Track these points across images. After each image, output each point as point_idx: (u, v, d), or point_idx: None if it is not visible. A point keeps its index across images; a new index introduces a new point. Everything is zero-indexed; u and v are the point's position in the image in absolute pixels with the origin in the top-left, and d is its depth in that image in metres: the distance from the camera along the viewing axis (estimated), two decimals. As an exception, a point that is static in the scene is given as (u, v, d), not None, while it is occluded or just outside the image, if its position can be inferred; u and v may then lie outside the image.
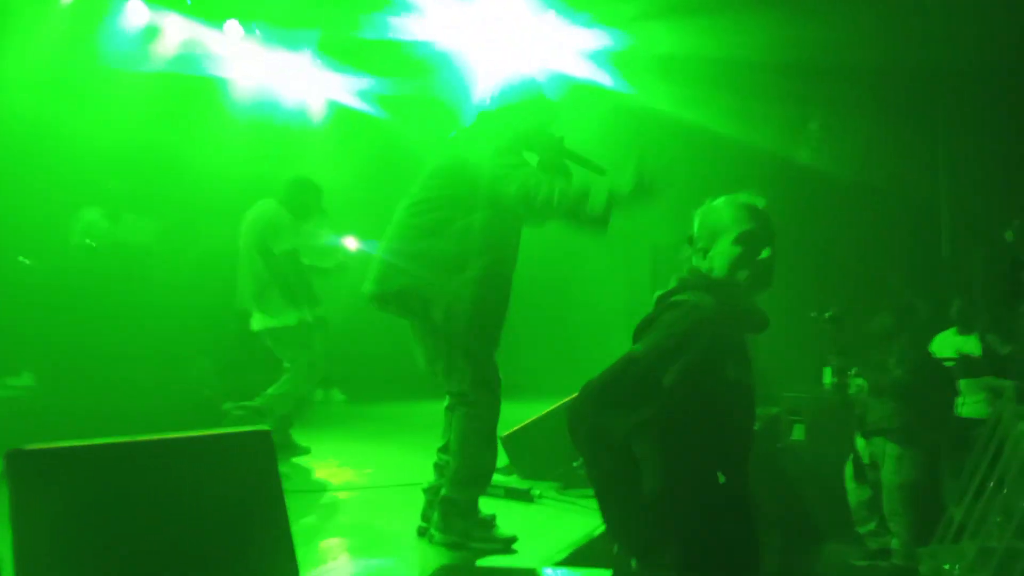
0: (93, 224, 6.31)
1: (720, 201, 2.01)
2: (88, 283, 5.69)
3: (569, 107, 3.19)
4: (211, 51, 8.41)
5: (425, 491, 3.23)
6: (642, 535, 1.68)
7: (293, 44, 8.79)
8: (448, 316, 2.96)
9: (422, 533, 3.18)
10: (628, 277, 8.38)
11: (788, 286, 6.35)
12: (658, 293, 1.96)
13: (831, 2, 6.99)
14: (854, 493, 5.34)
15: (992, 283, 6.21)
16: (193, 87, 8.17)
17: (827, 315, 5.18)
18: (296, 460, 4.80)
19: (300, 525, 3.30)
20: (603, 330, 7.66)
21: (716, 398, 1.81)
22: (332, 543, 3.18)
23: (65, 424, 4.81)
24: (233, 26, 8.27)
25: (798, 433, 6.67)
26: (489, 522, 3.15)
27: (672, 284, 1.94)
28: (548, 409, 4.59)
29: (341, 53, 8.95)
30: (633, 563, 1.72)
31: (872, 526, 5.32)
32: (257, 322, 4.98)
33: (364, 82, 9.13)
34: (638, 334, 1.86)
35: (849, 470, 5.32)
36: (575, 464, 4.25)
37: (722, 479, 1.78)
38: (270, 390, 4.80)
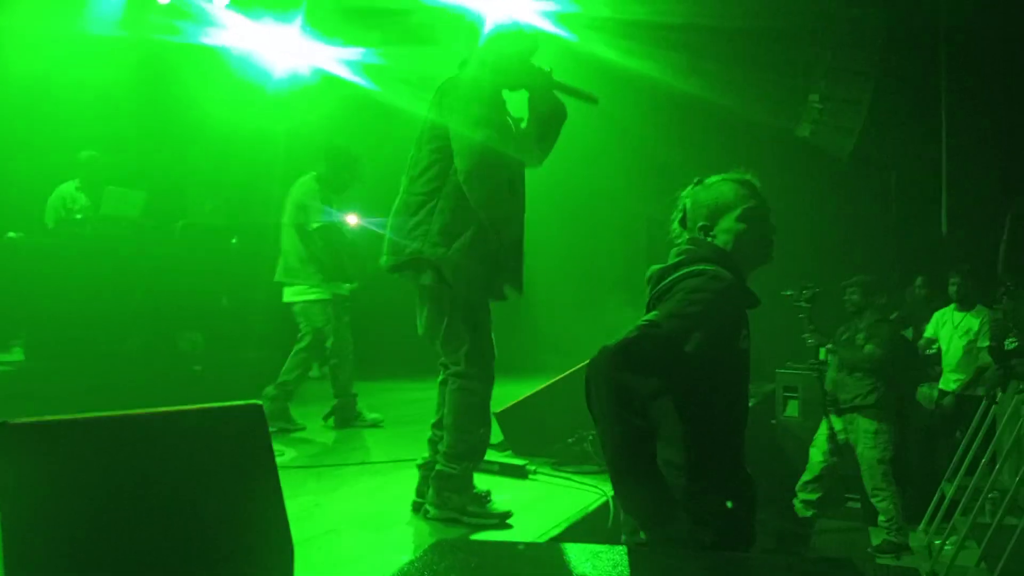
0: (67, 197, 6.20)
1: (716, 180, 1.99)
2: (76, 257, 5.62)
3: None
4: (197, 17, 8.26)
5: (420, 467, 3.21)
6: (656, 506, 1.63)
7: (280, 14, 8.63)
8: (450, 282, 2.93)
9: (417, 509, 3.17)
10: (624, 253, 8.35)
11: (784, 262, 6.37)
12: (656, 267, 1.92)
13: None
14: (817, 464, 5.32)
15: (991, 260, 6.20)
16: (179, 55, 8.03)
17: (804, 294, 5.17)
18: (293, 435, 4.81)
19: (294, 500, 3.29)
20: (599, 306, 7.64)
21: (730, 368, 1.81)
22: (327, 518, 3.16)
23: (56, 399, 4.78)
24: (221, -6, 8.13)
25: (792, 409, 6.70)
26: (484, 497, 3.13)
27: (673, 259, 1.90)
28: (543, 385, 4.57)
29: (329, 23, 8.80)
30: (642, 535, 1.68)
31: (815, 496, 5.34)
32: (291, 294, 5.25)
33: (353, 52, 8.99)
34: (653, 303, 1.83)
35: (822, 444, 5.33)
36: (569, 440, 4.25)
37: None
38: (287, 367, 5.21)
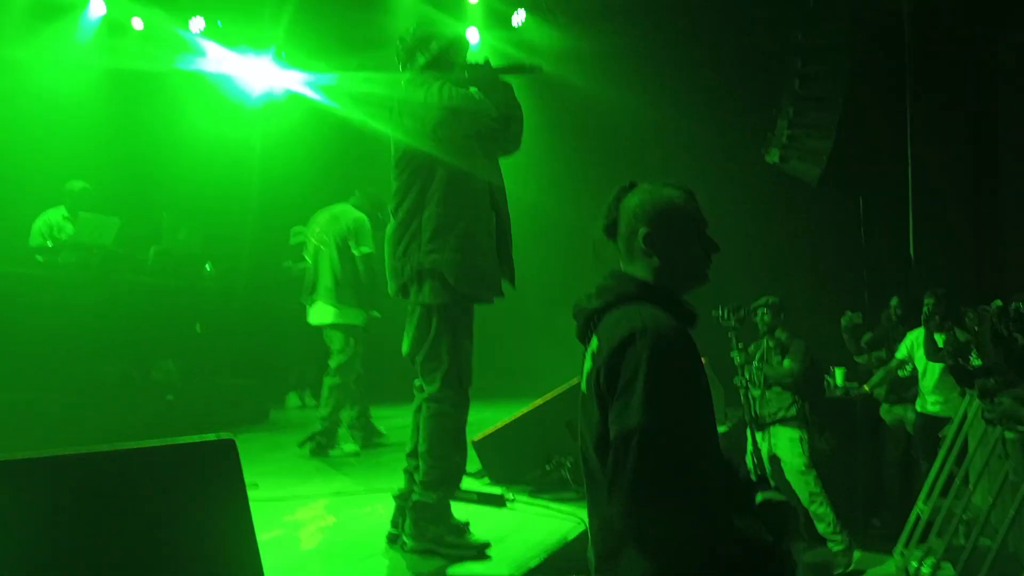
0: (53, 225, 6.17)
1: (650, 186, 1.80)
2: (48, 285, 5.54)
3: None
4: (172, 44, 8.28)
5: (396, 497, 3.18)
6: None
7: (255, 42, 8.67)
8: (452, 284, 2.95)
9: (393, 540, 3.13)
10: (598, 278, 8.37)
11: (754, 286, 6.45)
12: (582, 305, 1.76)
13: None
14: None
15: (958, 282, 6.30)
16: (153, 81, 8.03)
17: (725, 312, 5.31)
18: (267, 466, 4.76)
19: (268, 533, 3.24)
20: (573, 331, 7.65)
21: (706, 404, 1.65)
22: (301, 551, 3.11)
23: (28, 430, 4.69)
24: (197, 21, 8.17)
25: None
26: (462, 528, 3.10)
27: (596, 299, 1.73)
28: (520, 413, 4.55)
29: (305, 50, 8.85)
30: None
31: None
32: (324, 316, 5.31)
33: (330, 78, 9.03)
34: (607, 390, 1.57)
35: (749, 463, 5.45)
36: (548, 467, 4.23)
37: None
38: (323, 405, 5.27)
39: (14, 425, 4.73)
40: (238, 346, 7.43)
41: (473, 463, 4.28)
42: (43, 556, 1.53)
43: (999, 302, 4.96)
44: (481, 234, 3.03)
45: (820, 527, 5.42)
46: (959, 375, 5.28)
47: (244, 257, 7.77)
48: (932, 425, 5.83)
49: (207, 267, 6.94)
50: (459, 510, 3.19)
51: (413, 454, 3.13)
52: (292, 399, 7.76)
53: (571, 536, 3.36)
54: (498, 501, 3.90)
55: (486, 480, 4.39)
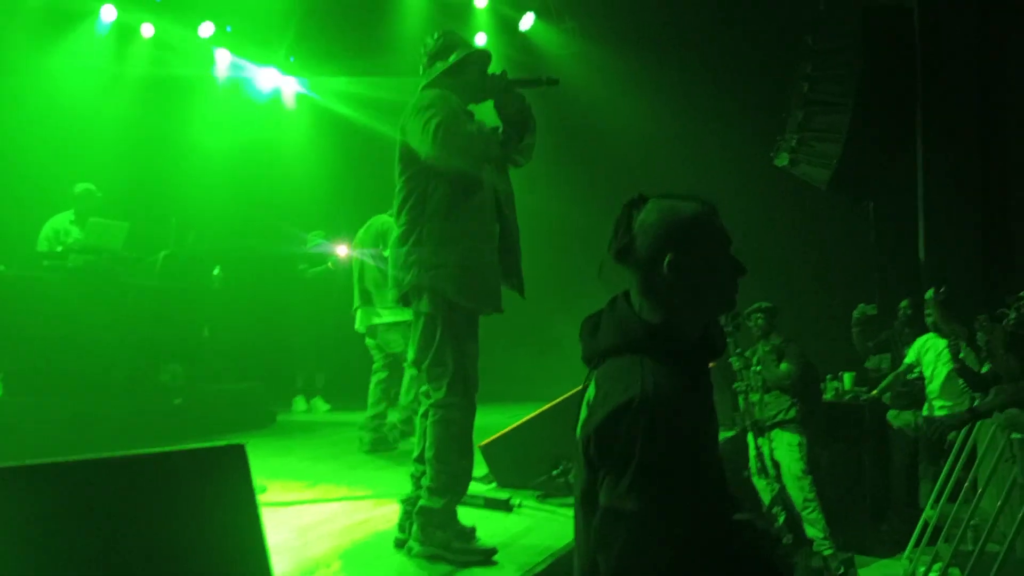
0: (60, 229, 6.20)
1: (670, 201, 1.59)
2: (57, 289, 5.57)
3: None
4: (181, 50, 8.34)
5: (402, 502, 3.19)
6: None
7: (264, 47, 8.73)
8: (452, 299, 2.96)
9: (400, 545, 3.13)
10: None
11: (763, 290, 6.44)
12: (591, 339, 1.60)
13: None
14: (766, 491, 5.49)
15: (968, 285, 6.28)
16: (161, 86, 8.09)
17: (731, 321, 5.34)
18: (276, 470, 4.79)
19: (276, 538, 3.25)
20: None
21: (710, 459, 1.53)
22: (309, 557, 3.12)
23: (36, 433, 4.71)
24: (207, 27, 8.22)
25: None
26: (469, 533, 3.11)
27: (610, 333, 1.56)
28: (526, 417, 4.56)
29: (312, 55, 8.90)
30: None
31: (782, 520, 5.48)
32: (367, 319, 5.60)
33: (340, 83, 9.09)
34: (598, 458, 1.45)
35: (753, 467, 5.48)
36: (555, 472, 4.23)
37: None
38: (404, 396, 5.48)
39: (23, 428, 4.77)
40: (246, 349, 7.47)
41: (480, 467, 4.29)
42: (52, 562, 1.54)
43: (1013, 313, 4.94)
44: (483, 248, 3.02)
45: (811, 531, 5.48)
46: (972, 380, 5.26)
47: (254, 261, 7.81)
48: (937, 430, 5.81)
49: (216, 271, 6.98)
50: (466, 515, 3.19)
51: (420, 459, 3.13)
52: (299, 403, 7.78)
53: (577, 541, 3.35)
54: (505, 506, 3.90)
55: (493, 485, 4.40)
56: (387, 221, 5.43)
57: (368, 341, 5.75)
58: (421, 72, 3.23)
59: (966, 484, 5.07)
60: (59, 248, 5.98)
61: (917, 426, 6.03)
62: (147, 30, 8.18)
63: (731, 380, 5.68)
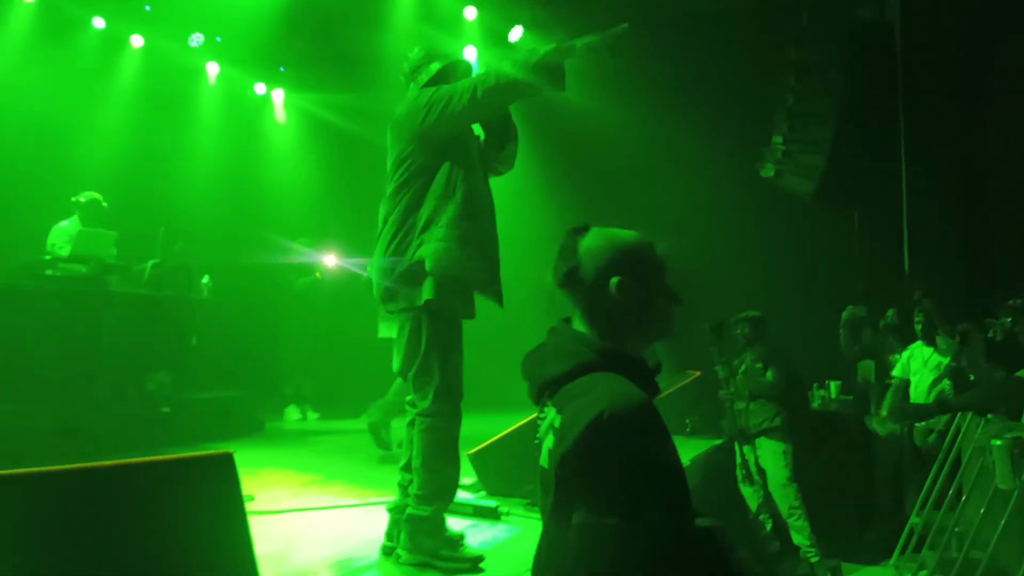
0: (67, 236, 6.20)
1: (610, 230, 1.65)
2: (44, 297, 5.56)
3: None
4: (172, 62, 8.36)
5: (390, 510, 3.20)
6: None
7: (254, 58, 8.75)
8: (437, 300, 2.97)
9: (388, 553, 3.15)
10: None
11: (749, 299, 6.49)
12: (535, 371, 1.61)
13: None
14: (752, 498, 5.54)
15: (950, 294, 6.35)
16: (151, 98, 8.11)
17: (707, 326, 5.40)
18: (264, 479, 4.78)
19: (264, 547, 3.26)
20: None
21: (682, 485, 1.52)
22: (297, 565, 3.13)
23: (23, 442, 4.69)
24: (197, 37, 8.24)
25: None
26: (456, 540, 3.12)
27: (558, 362, 1.56)
28: (515, 425, 4.58)
29: (302, 67, 8.93)
30: None
31: (769, 528, 5.56)
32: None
33: (326, 95, 9.12)
34: (574, 476, 1.44)
35: (739, 475, 5.53)
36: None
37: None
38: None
39: (9, 437, 4.74)
40: (234, 358, 7.46)
41: (469, 475, 4.31)
42: (38, 572, 1.54)
43: (1007, 319, 5.00)
44: (471, 232, 3.03)
45: (797, 539, 5.54)
46: (960, 385, 5.32)
47: (242, 270, 7.82)
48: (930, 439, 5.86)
49: (204, 279, 6.97)
50: (454, 522, 3.21)
51: (407, 467, 3.15)
52: (292, 412, 7.77)
53: (565, 549, 3.36)
54: (493, 514, 3.92)
55: (482, 492, 4.41)
56: None
57: None
58: (404, 84, 3.28)
59: (950, 491, 5.11)
60: (47, 256, 5.97)
61: (901, 434, 6.08)
62: (137, 41, 8.20)
63: (717, 389, 5.72)
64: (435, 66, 3.20)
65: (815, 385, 6.88)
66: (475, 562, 3.07)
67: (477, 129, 3.27)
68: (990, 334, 5.18)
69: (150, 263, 6.36)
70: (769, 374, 5.81)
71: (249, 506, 3.90)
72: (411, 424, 3.14)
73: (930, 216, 6.99)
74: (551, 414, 1.55)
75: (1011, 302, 4.85)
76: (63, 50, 7.61)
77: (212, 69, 8.83)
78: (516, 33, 8.74)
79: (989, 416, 4.50)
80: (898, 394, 6.11)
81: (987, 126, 6.93)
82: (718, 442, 5.89)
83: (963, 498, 4.97)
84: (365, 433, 5.77)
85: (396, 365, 3.16)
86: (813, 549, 5.53)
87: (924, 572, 4.82)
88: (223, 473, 1.81)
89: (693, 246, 8.09)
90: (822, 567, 5.50)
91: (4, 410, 5.10)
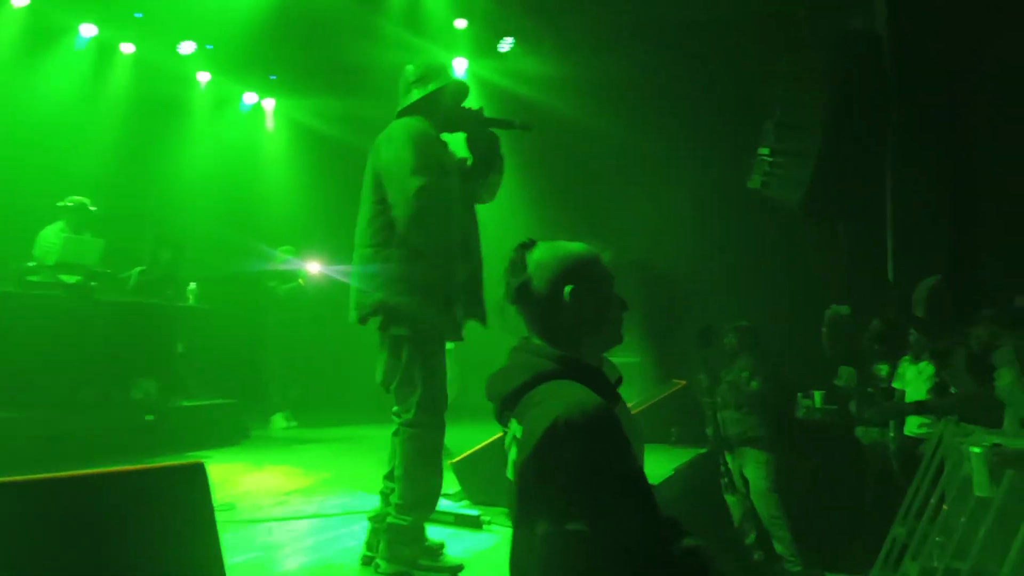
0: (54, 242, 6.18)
1: (559, 246, 1.67)
2: (29, 304, 5.55)
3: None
4: (162, 70, 8.38)
5: (371, 519, 3.20)
6: None
7: (245, 66, 8.77)
8: (412, 328, 2.99)
9: (367, 563, 3.15)
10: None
11: (737, 309, 6.52)
12: (498, 384, 1.63)
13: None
14: (736, 507, 5.58)
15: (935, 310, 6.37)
16: (140, 105, 8.12)
17: (696, 334, 5.43)
18: (244, 489, 4.77)
19: (243, 556, 3.26)
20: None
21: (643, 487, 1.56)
22: (276, 574, 3.13)
23: (7, 448, 4.68)
24: (188, 46, 8.26)
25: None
26: (436, 550, 3.12)
27: (517, 374, 1.58)
28: (499, 434, 4.57)
29: (292, 76, 8.95)
30: None
31: (753, 537, 5.61)
32: None
33: (315, 103, 9.15)
34: (536, 485, 1.46)
35: (723, 485, 5.56)
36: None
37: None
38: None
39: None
40: (221, 366, 7.45)
41: (453, 484, 4.31)
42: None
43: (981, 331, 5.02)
44: (445, 280, 3.04)
45: (778, 548, 5.57)
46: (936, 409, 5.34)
47: (228, 278, 7.82)
48: (914, 446, 5.88)
49: (191, 287, 6.97)
50: (435, 531, 3.21)
51: (390, 476, 3.15)
52: (278, 420, 7.76)
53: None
54: (475, 523, 3.92)
55: (465, 502, 4.41)
56: None
57: None
58: (399, 98, 3.29)
59: (932, 501, 5.13)
60: (32, 263, 5.95)
61: (886, 442, 6.11)
62: (127, 48, 8.21)
63: (702, 397, 5.75)
64: (416, 94, 3.20)
65: (800, 395, 6.90)
66: (454, 571, 3.08)
67: (462, 149, 3.28)
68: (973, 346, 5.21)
69: (136, 270, 6.36)
70: (754, 384, 5.84)
71: (230, 515, 3.92)
72: (395, 434, 3.14)
73: (915, 229, 7.04)
74: (513, 426, 1.57)
75: (984, 312, 4.86)
76: (52, 57, 7.62)
77: (203, 77, 8.85)
78: (506, 44, 8.78)
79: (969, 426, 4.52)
80: (906, 408, 6.11)
81: (973, 139, 6.98)
82: (703, 451, 5.90)
83: (945, 507, 4.99)
84: (349, 441, 5.79)
85: (379, 376, 3.17)
86: (795, 559, 5.55)
87: (906, 582, 4.83)
88: (194, 483, 1.80)
89: (680, 256, 8.14)
90: None
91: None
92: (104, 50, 8.08)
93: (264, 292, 7.88)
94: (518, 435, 1.54)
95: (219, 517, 1.87)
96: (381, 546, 3.06)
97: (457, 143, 3.29)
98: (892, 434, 6.01)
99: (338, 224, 6.07)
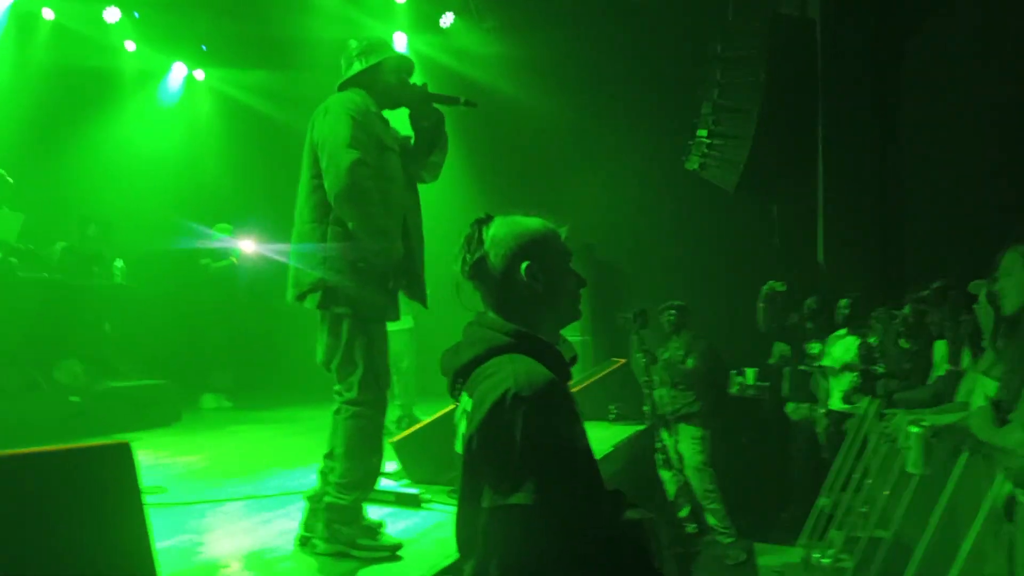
0: None
1: (515, 221, 1.66)
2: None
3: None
4: (86, 39, 8.01)
5: (308, 499, 3.15)
6: None
7: (173, 36, 8.46)
8: (350, 307, 2.93)
9: (304, 543, 3.10)
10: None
11: (673, 288, 6.62)
12: (450, 359, 1.64)
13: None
14: (671, 482, 5.75)
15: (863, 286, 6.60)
16: (64, 75, 7.74)
17: (630, 315, 5.55)
18: (177, 471, 4.65)
19: (174, 539, 3.18)
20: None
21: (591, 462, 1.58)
22: (209, 557, 3.06)
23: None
24: (112, 12, 7.91)
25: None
26: (375, 529, 3.10)
27: (467, 349, 1.60)
28: (439, 413, 4.57)
29: (222, 47, 8.68)
30: None
31: (687, 510, 5.81)
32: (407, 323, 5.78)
33: (248, 77, 8.90)
34: (482, 459, 1.47)
35: (658, 460, 5.73)
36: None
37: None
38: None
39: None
40: (151, 346, 7.23)
41: (392, 462, 4.28)
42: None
43: (908, 308, 5.21)
44: (382, 259, 2.98)
45: (711, 520, 5.75)
46: (865, 383, 5.52)
47: (157, 255, 7.58)
48: (841, 422, 6.09)
49: (118, 264, 6.72)
50: (374, 511, 3.18)
51: (330, 455, 3.10)
52: (208, 400, 7.59)
53: (485, 536, 3.38)
54: (415, 501, 3.91)
55: (405, 480, 4.39)
56: None
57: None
58: (342, 72, 3.21)
59: (856, 473, 5.33)
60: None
61: (813, 419, 6.32)
62: (48, 14, 7.81)
63: (639, 375, 5.84)
64: (357, 66, 3.13)
65: (733, 372, 7.08)
66: (393, 550, 3.06)
67: (405, 127, 3.22)
68: (897, 322, 5.41)
69: (59, 246, 6.10)
70: (690, 361, 5.97)
71: (161, 498, 3.81)
72: (337, 412, 3.09)
73: (844, 209, 7.26)
74: (464, 399, 1.57)
75: (924, 292, 5.02)
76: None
77: (130, 47, 8.48)
78: (447, 19, 8.67)
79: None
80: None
81: (902, 121, 7.22)
82: (641, 428, 6.01)
83: (869, 480, 5.19)
84: (284, 422, 5.70)
85: (319, 356, 3.11)
86: (728, 531, 5.72)
87: (831, 551, 5.02)
88: (120, 464, 1.74)
89: (617, 237, 8.23)
90: (736, 547, 5.70)
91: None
92: (23, 16, 7.68)
93: (197, 270, 7.65)
94: (468, 408, 1.54)
95: (149, 500, 1.82)
96: (319, 526, 3.02)
97: (401, 121, 3.23)
98: (822, 410, 6.22)
99: (273, 202, 5.94)
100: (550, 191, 8.13)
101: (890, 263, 7.17)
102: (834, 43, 7.38)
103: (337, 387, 3.09)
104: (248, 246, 7.86)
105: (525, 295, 1.60)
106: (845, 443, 5.63)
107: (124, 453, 1.75)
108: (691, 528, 5.77)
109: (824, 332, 6.30)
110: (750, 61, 7.13)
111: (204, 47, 8.80)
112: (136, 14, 8.09)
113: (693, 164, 7.43)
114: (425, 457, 4.42)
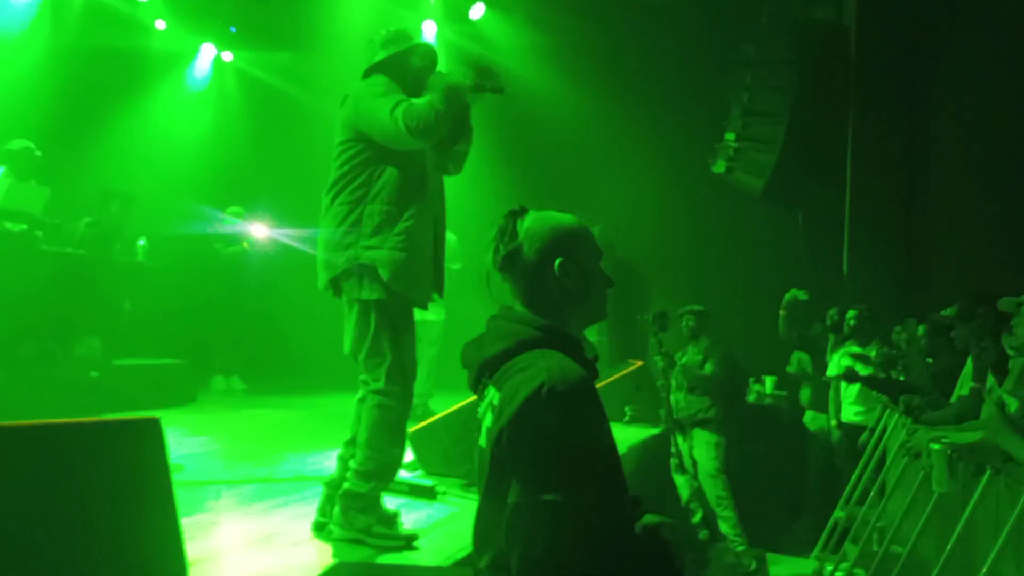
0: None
1: (550, 216, 1.65)
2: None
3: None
4: (117, 21, 8.04)
5: (326, 484, 3.14)
6: None
7: (203, 19, 8.47)
8: (386, 282, 2.90)
9: (320, 528, 3.09)
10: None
11: (695, 292, 6.56)
12: (474, 352, 1.62)
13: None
14: (684, 487, 5.70)
15: (887, 299, 6.53)
16: (94, 56, 7.77)
17: (650, 317, 5.51)
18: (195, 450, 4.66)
19: (192, 518, 3.17)
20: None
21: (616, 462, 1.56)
22: (225, 537, 3.05)
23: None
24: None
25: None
26: (391, 518, 3.08)
27: (496, 341, 1.57)
28: (456, 406, 4.55)
29: (252, 31, 8.69)
30: None
31: (699, 516, 5.76)
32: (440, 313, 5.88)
33: (277, 59, 8.90)
34: (511, 452, 1.44)
35: (672, 464, 5.68)
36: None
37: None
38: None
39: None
40: (169, 325, 7.25)
41: (408, 454, 4.26)
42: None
43: (922, 329, 5.14)
44: (422, 238, 2.99)
45: (723, 528, 5.71)
46: (885, 387, 5.45)
47: (176, 238, 7.60)
48: (854, 434, 6.03)
49: (140, 242, 6.73)
50: (390, 501, 3.17)
51: (351, 442, 3.09)
52: (217, 382, 7.60)
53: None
54: (430, 493, 3.89)
55: (420, 471, 4.38)
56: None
57: None
58: (366, 62, 3.18)
59: (874, 487, 5.28)
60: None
61: (831, 429, 6.25)
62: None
63: (656, 378, 5.80)
64: (381, 55, 3.10)
65: (751, 379, 7.02)
66: (409, 540, 3.04)
67: None
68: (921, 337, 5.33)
69: (84, 221, 6.11)
70: (708, 367, 5.93)
71: (179, 476, 3.81)
72: (362, 400, 3.08)
73: (871, 219, 7.18)
74: (491, 393, 1.55)
75: (945, 312, 4.94)
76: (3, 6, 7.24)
77: (160, 25, 8.51)
78: (478, 11, 8.64)
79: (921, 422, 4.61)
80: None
81: (933, 132, 7.13)
82: (656, 431, 5.97)
83: (886, 495, 5.13)
84: (297, 408, 5.70)
85: (347, 347, 3.09)
86: (740, 539, 5.68)
87: (845, 564, 4.97)
88: (150, 439, 1.73)
89: (639, 235, 8.18)
90: (747, 556, 5.65)
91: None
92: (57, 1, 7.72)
93: (209, 255, 7.68)
94: (495, 402, 1.52)
95: (170, 476, 1.81)
96: (335, 512, 3.01)
97: None
98: (833, 421, 6.16)
99: (296, 186, 5.96)
100: (573, 186, 8.09)
101: (915, 277, 7.09)
102: (869, 51, 7.30)
103: (363, 376, 3.08)
104: (260, 231, 7.86)
105: (556, 291, 1.59)
106: (864, 456, 5.57)
107: (154, 428, 1.74)
108: (703, 534, 5.73)
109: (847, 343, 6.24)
110: (782, 66, 7.07)
111: (233, 28, 8.81)
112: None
113: (720, 167, 7.37)
114: (440, 449, 4.41)
